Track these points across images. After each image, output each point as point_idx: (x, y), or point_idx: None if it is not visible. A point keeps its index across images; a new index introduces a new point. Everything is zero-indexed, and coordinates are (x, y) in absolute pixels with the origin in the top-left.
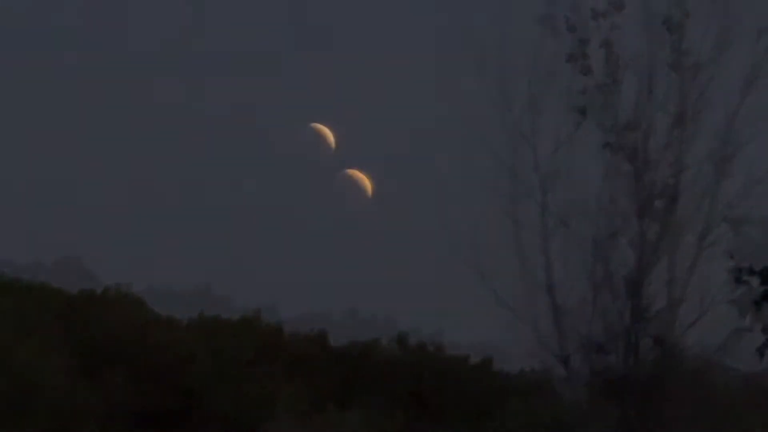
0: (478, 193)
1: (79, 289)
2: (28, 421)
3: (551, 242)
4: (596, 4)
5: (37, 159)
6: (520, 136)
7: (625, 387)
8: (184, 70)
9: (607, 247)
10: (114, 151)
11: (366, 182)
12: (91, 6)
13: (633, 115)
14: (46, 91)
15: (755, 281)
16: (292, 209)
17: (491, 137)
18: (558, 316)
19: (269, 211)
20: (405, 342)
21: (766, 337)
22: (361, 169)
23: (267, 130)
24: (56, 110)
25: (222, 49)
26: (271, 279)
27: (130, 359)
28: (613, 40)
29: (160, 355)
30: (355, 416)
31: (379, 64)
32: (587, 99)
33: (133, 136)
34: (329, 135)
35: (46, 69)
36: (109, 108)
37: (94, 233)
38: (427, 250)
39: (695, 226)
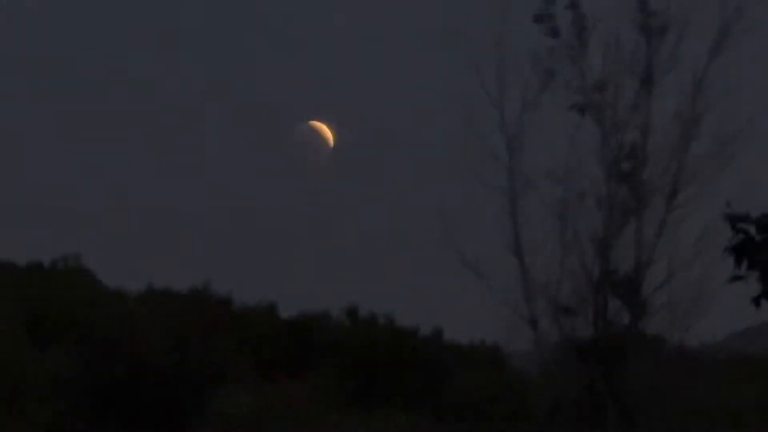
0: (443, 156)
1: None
2: None
3: (519, 204)
4: None
5: (35, 156)
6: (488, 98)
7: (593, 349)
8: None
9: (576, 209)
10: (112, 147)
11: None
12: None
13: (600, 76)
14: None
15: (752, 228)
16: (289, 208)
17: (462, 102)
18: (526, 279)
19: (268, 209)
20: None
21: (762, 286)
22: (356, 165)
23: (265, 127)
24: (55, 108)
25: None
26: (271, 277)
27: (80, 331)
28: (579, 1)
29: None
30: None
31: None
32: (554, 60)
33: (131, 132)
34: (327, 133)
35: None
36: (108, 106)
37: (93, 231)
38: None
39: (663, 188)
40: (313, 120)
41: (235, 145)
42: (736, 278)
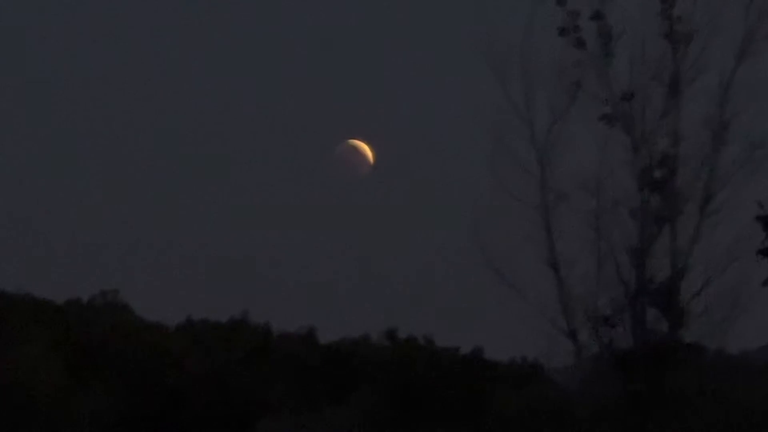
0: (479, 175)
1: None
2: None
3: (552, 217)
4: None
5: (72, 191)
6: (516, 111)
7: (633, 360)
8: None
9: (609, 220)
10: (143, 176)
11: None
12: None
13: (627, 85)
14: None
15: None
16: (325, 230)
17: (492, 117)
18: (563, 291)
19: (302, 230)
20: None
21: None
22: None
23: (303, 149)
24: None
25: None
26: (310, 303)
27: (120, 365)
28: (604, 11)
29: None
30: None
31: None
32: (581, 72)
33: (161, 162)
34: (365, 153)
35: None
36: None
37: (130, 265)
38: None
39: (696, 195)
40: (349, 139)
41: (270, 163)
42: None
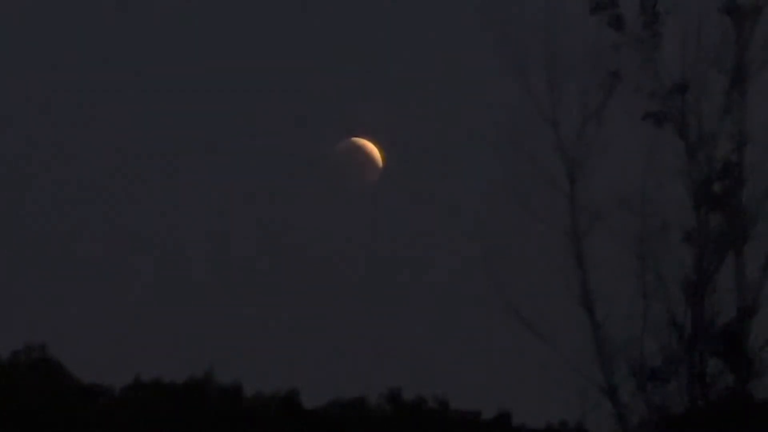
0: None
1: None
2: None
3: (585, 243)
4: None
5: None
6: (539, 111)
7: (691, 424)
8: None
9: (658, 246)
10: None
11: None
12: None
13: (680, 75)
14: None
15: None
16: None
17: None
18: (600, 338)
19: (279, 278)
20: None
21: None
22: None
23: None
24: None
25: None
26: (289, 359)
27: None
28: None
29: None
30: None
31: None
32: (620, 59)
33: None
34: (375, 154)
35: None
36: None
37: (61, 316)
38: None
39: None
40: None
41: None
42: None
